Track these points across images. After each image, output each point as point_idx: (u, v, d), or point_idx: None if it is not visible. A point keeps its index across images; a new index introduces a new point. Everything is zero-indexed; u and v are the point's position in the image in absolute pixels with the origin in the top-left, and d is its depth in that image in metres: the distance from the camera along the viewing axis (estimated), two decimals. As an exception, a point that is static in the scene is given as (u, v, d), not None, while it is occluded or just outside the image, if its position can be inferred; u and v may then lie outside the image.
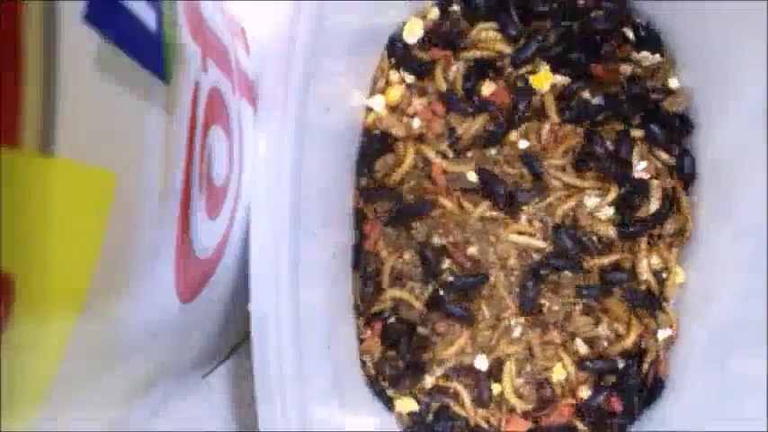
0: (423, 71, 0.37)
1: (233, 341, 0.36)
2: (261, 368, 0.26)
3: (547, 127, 0.37)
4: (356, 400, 0.35)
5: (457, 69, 0.37)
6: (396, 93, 0.37)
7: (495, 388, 0.37)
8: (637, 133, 0.37)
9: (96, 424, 0.21)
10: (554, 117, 0.37)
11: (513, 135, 0.37)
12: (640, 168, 0.37)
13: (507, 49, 0.37)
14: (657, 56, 0.37)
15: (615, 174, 0.37)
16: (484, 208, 0.37)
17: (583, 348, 0.37)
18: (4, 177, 0.12)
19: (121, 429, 0.23)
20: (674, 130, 0.37)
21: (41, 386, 0.15)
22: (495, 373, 0.37)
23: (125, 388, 0.22)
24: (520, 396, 0.37)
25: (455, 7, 0.37)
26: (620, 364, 0.37)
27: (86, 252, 0.15)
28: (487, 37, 0.37)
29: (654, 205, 0.37)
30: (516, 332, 0.37)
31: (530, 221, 0.37)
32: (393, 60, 0.37)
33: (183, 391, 0.36)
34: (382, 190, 0.37)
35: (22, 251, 0.13)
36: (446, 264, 0.37)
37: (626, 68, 0.37)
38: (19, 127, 0.12)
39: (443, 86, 0.37)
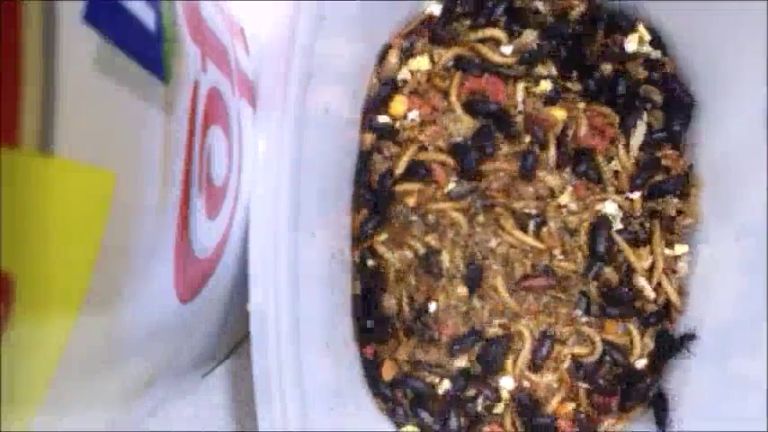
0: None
1: (233, 341, 0.35)
2: (260, 368, 0.26)
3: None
4: (356, 400, 0.35)
5: (454, 74, 0.37)
6: (400, 106, 0.37)
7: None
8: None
9: (96, 424, 0.21)
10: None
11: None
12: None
13: (499, 59, 0.37)
14: (659, 52, 0.37)
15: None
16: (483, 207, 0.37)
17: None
18: (4, 177, 0.12)
19: (121, 429, 0.23)
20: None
21: (41, 386, 0.15)
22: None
23: (125, 388, 0.22)
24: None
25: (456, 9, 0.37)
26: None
27: (86, 252, 0.15)
28: (483, 44, 0.37)
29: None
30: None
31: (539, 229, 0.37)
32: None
33: (182, 390, 0.36)
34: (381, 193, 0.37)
35: (22, 251, 0.13)
36: (445, 260, 0.37)
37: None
38: (18, 127, 0.12)
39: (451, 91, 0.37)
